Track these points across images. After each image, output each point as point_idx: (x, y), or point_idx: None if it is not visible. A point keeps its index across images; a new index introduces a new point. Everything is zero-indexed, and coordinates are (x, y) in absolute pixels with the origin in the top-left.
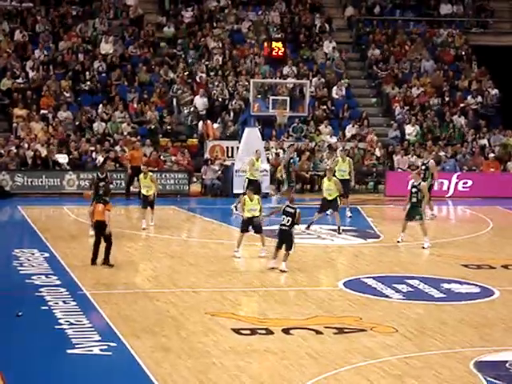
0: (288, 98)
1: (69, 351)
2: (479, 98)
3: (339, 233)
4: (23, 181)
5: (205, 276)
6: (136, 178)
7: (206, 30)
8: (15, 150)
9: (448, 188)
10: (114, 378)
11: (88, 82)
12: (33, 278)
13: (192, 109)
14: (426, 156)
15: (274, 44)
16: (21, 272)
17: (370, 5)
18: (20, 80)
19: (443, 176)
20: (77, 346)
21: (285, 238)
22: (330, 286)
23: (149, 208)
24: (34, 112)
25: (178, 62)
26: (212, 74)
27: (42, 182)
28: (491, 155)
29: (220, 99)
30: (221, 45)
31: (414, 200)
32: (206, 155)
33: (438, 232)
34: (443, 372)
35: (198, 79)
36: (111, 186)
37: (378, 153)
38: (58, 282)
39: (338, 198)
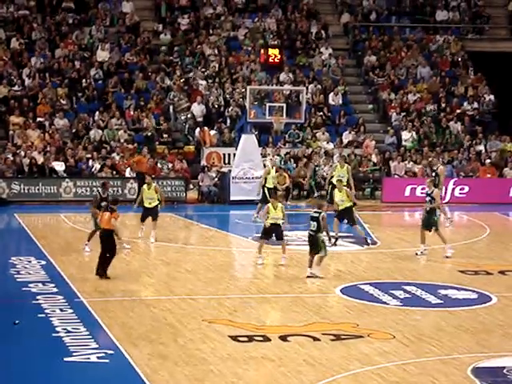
0: (284, 105)
1: (66, 359)
2: (475, 104)
3: (367, 244)
4: (20, 188)
5: (202, 283)
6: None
7: (203, 37)
8: (12, 158)
9: (445, 194)
10: None
11: (85, 90)
12: (30, 285)
13: (189, 116)
14: (436, 162)
15: (271, 51)
16: (18, 280)
17: (366, 11)
18: (16, 87)
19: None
20: (74, 354)
21: (312, 243)
22: (327, 292)
23: (151, 221)
24: (31, 119)
25: (175, 69)
26: (209, 81)
27: (38, 189)
28: (488, 161)
29: (216, 106)
30: (217, 52)
31: (428, 209)
32: (203, 162)
33: (435, 238)
34: (440, 378)
35: (194, 86)
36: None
37: (374, 159)
38: (55, 290)
39: (353, 209)
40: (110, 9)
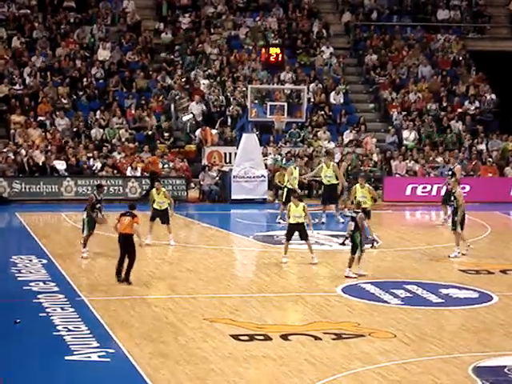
0: (286, 104)
1: (67, 358)
2: (477, 104)
3: (373, 246)
4: (21, 187)
5: (203, 282)
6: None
7: (204, 35)
8: (13, 157)
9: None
10: None
11: (86, 89)
12: (31, 284)
13: (191, 116)
14: (453, 162)
15: (272, 50)
16: (19, 279)
17: (367, 10)
18: (17, 86)
19: (441, 181)
20: (75, 353)
21: (352, 243)
22: (328, 291)
23: (164, 225)
24: (32, 118)
25: (176, 68)
26: (210, 80)
27: (39, 188)
28: (489, 160)
29: (217, 105)
30: (218, 51)
31: (453, 208)
32: (204, 161)
33: (436, 237)
34: (441, 377)
35: (195, 85)
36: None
37: (375, 158)
38: (56, 289)
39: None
40: (111, 8)
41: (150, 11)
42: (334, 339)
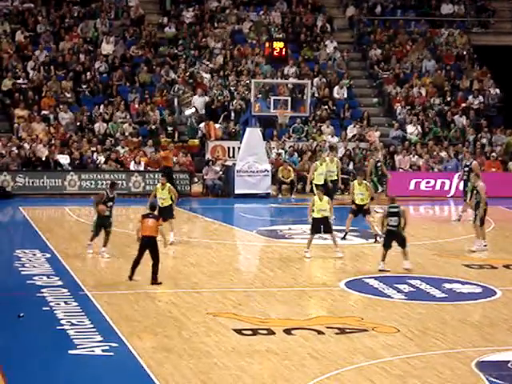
0: (289, 98)
1: (70, 352)
2: (480, 98)
3: (376, 241)
4: (24, 181)
5: (206, 276)
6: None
7: (207, 30)
8: (16, 151)
9: (450, 188)
10: (116, 378)
11: (89, 83)
12: (34, 278)
13: (193, 111)
14: (468, 157)
15: (275, 44)
16: (22, 273)
17: (371, 5)
18: (21, 80)
19: (445, 176)
20: (78, 347)
21: (396, 238)
22: (331, 286)
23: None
24: (35, 112)
25: (179, 63)
26: (214, 74)
27: (43, 182)
28: (493, 155)
29: (221, 99)
30: (222, 45)
31: (475, 203)
32: (208, 156)
33: (440, 232)
34: (445, 372)
35: (199, 79)
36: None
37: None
38: (60, 283)
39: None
40: (114, 2)
41: (153, 5)
42: (337, 334)
